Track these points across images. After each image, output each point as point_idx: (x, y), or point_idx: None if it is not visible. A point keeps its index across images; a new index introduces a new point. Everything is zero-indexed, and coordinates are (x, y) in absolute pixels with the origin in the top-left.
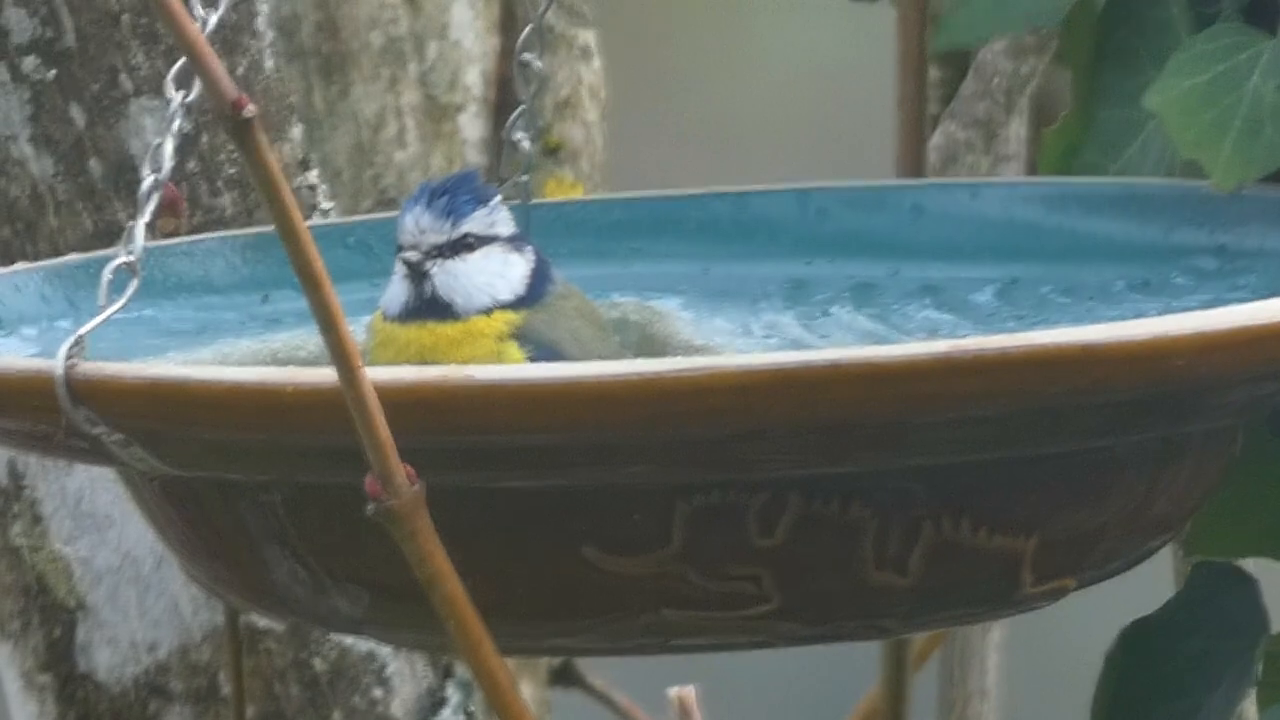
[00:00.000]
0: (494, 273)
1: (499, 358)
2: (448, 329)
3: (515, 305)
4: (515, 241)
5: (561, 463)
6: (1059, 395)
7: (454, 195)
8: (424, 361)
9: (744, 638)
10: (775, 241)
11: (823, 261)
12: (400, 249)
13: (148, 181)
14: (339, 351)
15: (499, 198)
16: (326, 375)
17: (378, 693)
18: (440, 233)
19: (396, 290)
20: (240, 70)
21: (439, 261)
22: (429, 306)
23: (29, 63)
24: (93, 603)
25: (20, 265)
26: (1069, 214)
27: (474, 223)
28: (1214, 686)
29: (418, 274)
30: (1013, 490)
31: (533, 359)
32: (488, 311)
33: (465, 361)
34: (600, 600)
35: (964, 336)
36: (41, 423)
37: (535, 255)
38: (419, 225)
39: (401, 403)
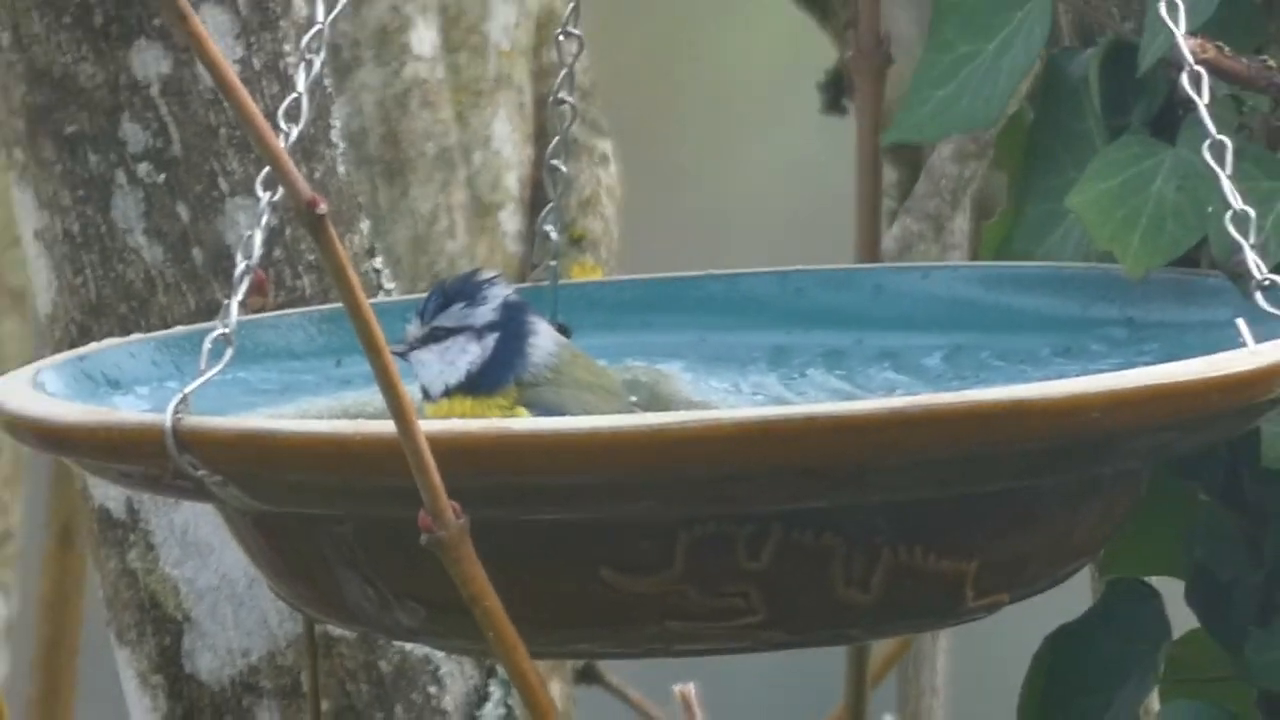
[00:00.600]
0: (449, 360)
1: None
2: (426, 407)
3: (465, 389)
4: (484, 330)
5: (583, 499)
6: (995, 443)
7: (439, 294)
8: None
9: (735, 644)
10: (760, 315)
11: (799, 332)
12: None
13: (240, 267)
14: (397, 408)
15: (493, 291)
16: (387, 428)
17: (433, 690)
18: (418, 327)
19: (431, 365)
20: (316, 174)
21: (414, 351)
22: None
23: (143, 168)
24: (196, 616)
25: (135, 336)
26: (1003, 292)
27: (447, 317)
28: (1124, 683)
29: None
30: (957, 522)
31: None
32: (448, 395)
33: None
34: (615, 613)
35: (917, 394)
36: (153, 467)
37: (497, 341)
38: (412, 321)
39: (449, 450)
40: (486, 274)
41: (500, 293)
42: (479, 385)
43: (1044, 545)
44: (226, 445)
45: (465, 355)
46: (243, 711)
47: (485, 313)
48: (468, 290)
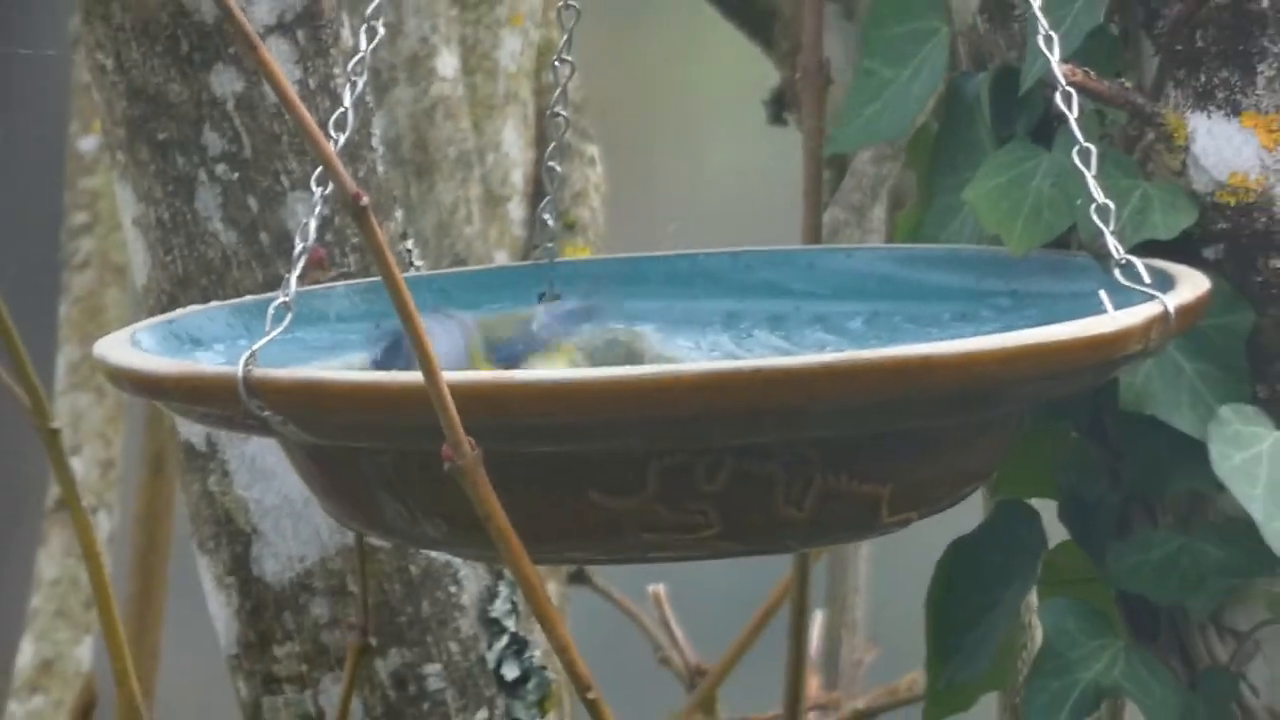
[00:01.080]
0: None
1: None
2: None
3: None
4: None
5: (573, 435)
6: (906, 390)
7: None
8: None
9: (697, 552)
10: (716, 287)
11: (748, 300)
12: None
13: (298, 248)
14: (424, 361)
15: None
16: (416, 377)
17: (453, 589)
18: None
19: None
20: (360, 173)
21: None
22: None
23: (220, 168)
24: (262, 529)
25: (214, 304)
26: (913, 269)
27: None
28: (1009, 585)
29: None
30: (875, 454)
31: None
32: None
33: None
34: (600, 528)
35: (843, 351)
36: (227, 409)
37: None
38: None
39: (465, 396)
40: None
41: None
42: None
43: (945, 473)
44: (287, 391)
45: None
46: (299, 607)
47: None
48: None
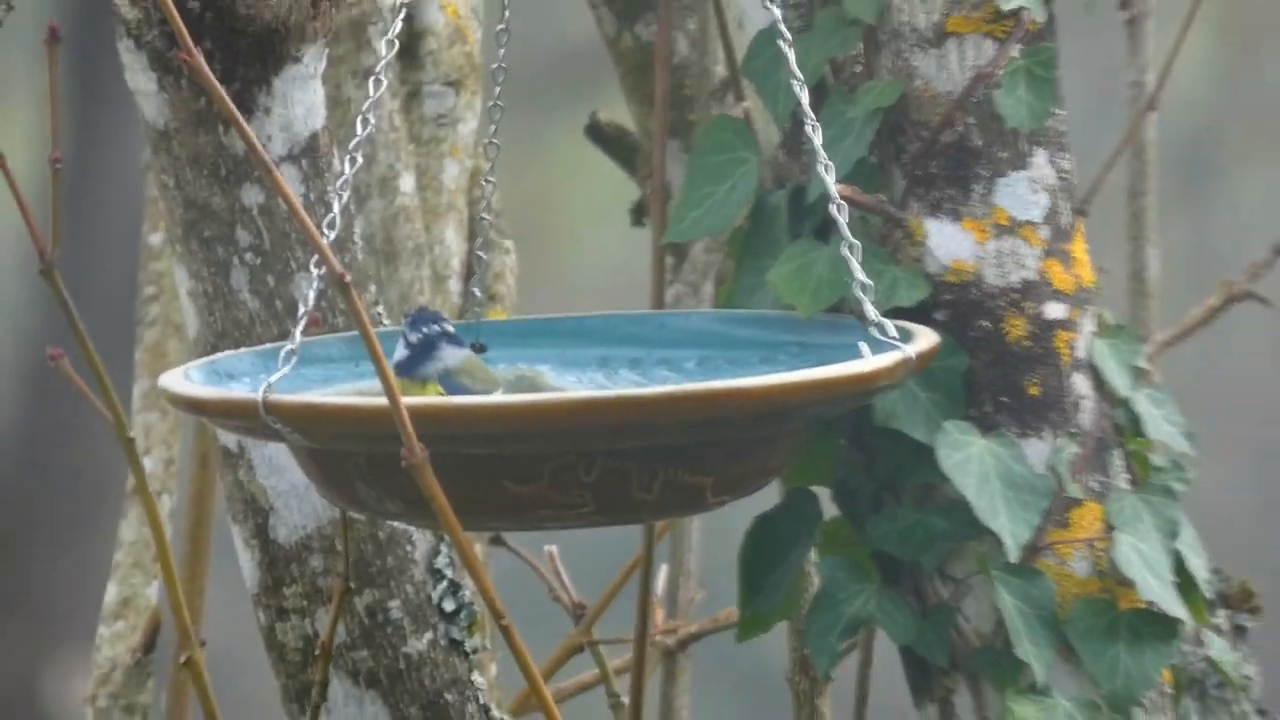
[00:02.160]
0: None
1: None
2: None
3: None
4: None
5: (493, 442)
6: (723, 411)
7: (411, 324)
8: None
9: (578, 524)
10: (592, 339)
11: (615, 348)
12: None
13: (302, 311)
14: (388, 390)
15: (433, 327)
16: (382, 401)
17: (409, 548)
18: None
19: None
20: (345, 259)
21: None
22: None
23: (248, 255)
24: (276, 507)
25: (242, 350)
26: (731, 326)
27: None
28: (795, 546)
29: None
30: (701, 456)
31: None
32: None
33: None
34: (511, 506)
35: (680, 384)
36: (251, 423)
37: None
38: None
39: (416, 415)
40: (433, 315)
41: (437, 328)
42: (414, 373)
43: (751, 469)
44: (292, 411)
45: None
46: (301, 561)
47: (424, 338)
48: (422, 320)
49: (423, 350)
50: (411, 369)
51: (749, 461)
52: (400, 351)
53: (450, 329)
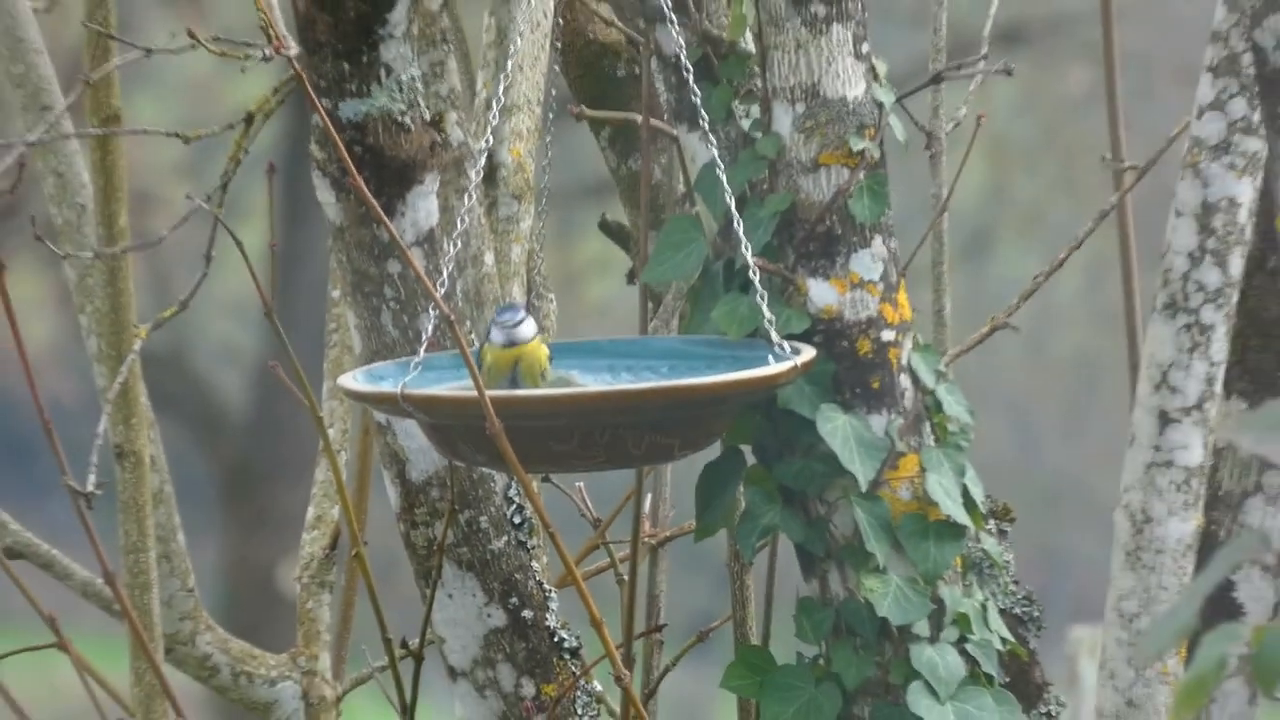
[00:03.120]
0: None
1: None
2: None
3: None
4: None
5: (545, 417)
6: (683, 399)
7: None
8: (515, 362)
9: (595, 469)
10: (603, 354)
11: (618, 359)
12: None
13: (425, 338)
14: (478, 388)
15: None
16: (473, 393)
17: (492, 484)
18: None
19: (497, 336)
20: (451, 306)
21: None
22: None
23: (392, 304)
24: (412, 459)
25: (388, 361)
26: (689, 345)
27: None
28: (731, 481)
29: (509, 329)
30: (671, 425)
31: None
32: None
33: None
34: (554, 458)
35: (658, 382)
36: (393, 408)
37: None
38: (505, 316)
39: (494, 401)
40: (513, 306)
41: (520, 314)
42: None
43: (703, 433)
44: (418, 400)
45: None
46: (426, 492)
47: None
48: (509, 309)
49: (511, 329)
50: (505, 344)
51: (701, 429)
52: (496, 334)
53: (524, 316)
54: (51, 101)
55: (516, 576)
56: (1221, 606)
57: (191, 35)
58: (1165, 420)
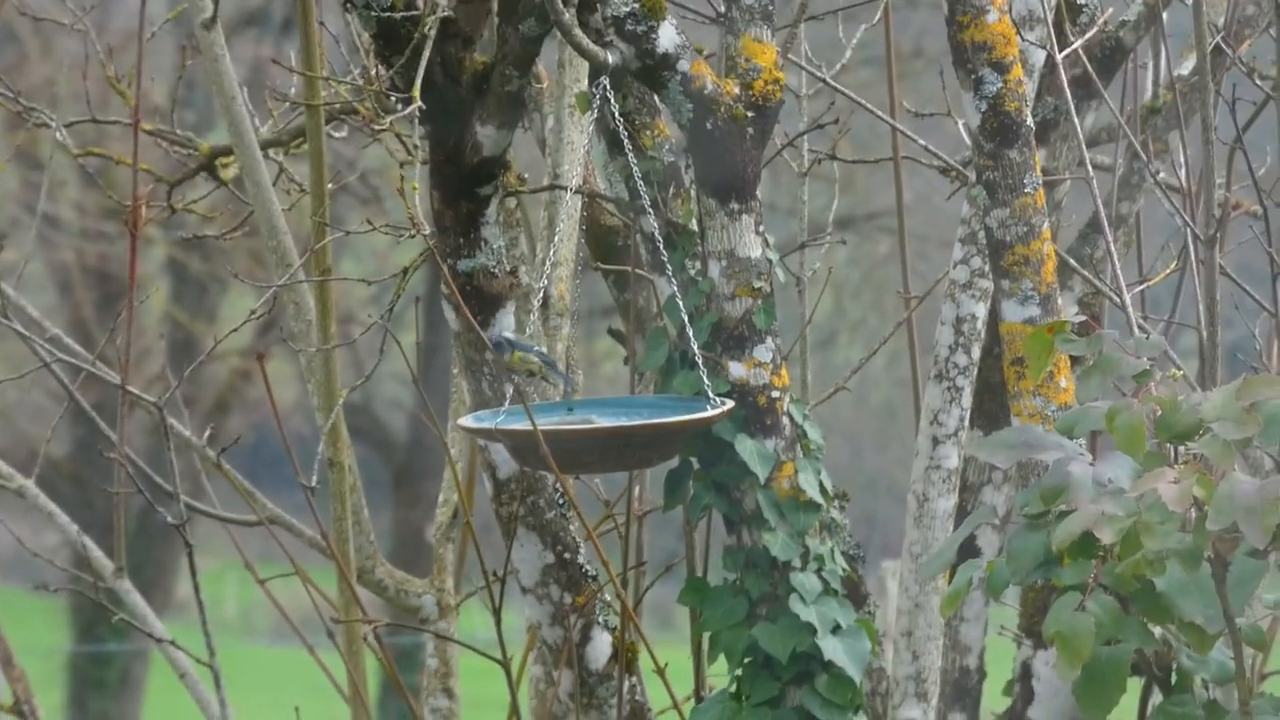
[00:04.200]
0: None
1: None
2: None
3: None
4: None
5: (573, 442)
6: (659, 429)
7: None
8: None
9: (606, 472)
10: (610, 406)
11: (619, 409)
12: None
13: (508, 396)
14: (533, 424)
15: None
16: (529, 428)
17: (546, 480)
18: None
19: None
20: (520, 381)
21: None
22: None
23: (487, 376)
24: (497, 465)
25: (485, 411)
26: (661, 401)
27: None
28: (684, 479)
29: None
30: (652, 445)
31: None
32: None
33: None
34: (581, 465)
35: (643, 420)
36: (488, 437)
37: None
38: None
39: (545, 433)
40: (501, 338)
41: (508, 337)
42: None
43: (670, 451)
44: (504, 433)
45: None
46: (507, 485)
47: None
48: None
49: (506, 348)
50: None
51: (668, 448)
52: (503, 345)
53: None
54: (291, 261)
55: (560, 534)
56: (969, 550)
57: (370, 223)
58: (936, 442)
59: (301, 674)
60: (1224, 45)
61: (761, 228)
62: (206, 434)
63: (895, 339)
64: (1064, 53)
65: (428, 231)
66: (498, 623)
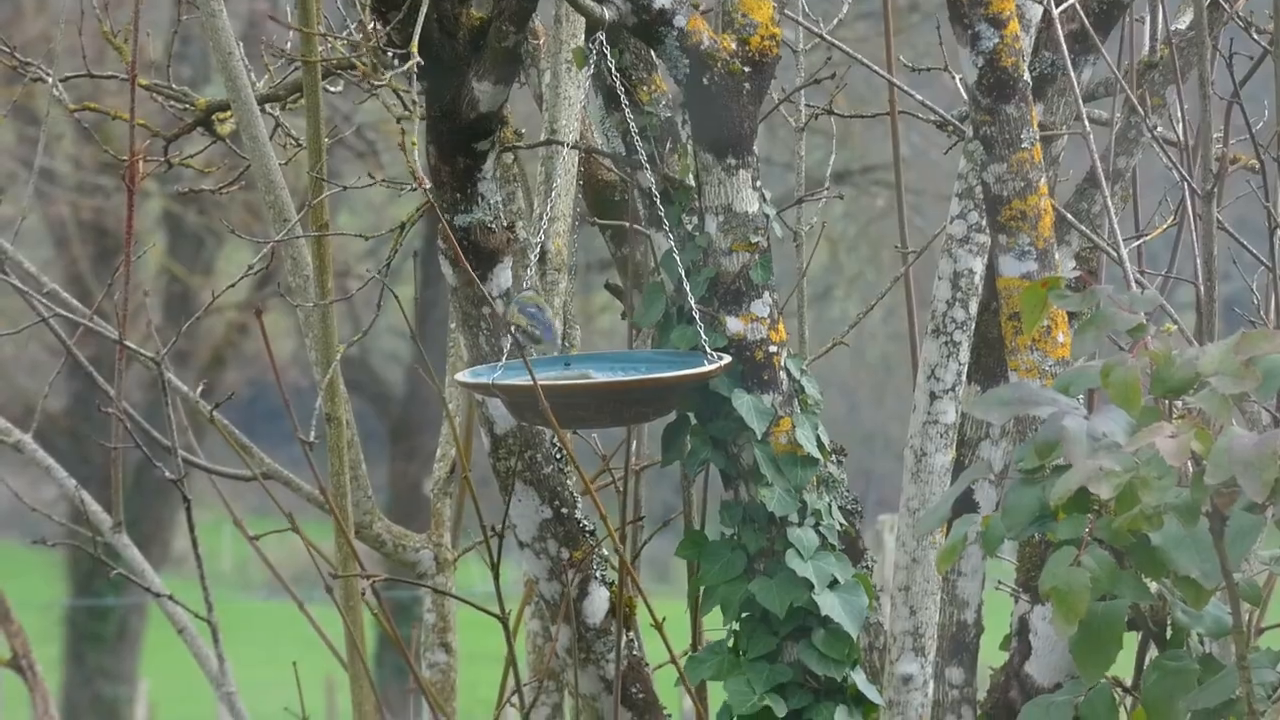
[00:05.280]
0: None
1: None
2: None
3: None
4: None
5: (573, 396)
6: (655, 385)
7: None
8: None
9: (604, 426)
10: (607, 360)
11: (616, 363)
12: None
13: (505, 350)
14: (533, 379)
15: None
16: (529, 382)
17: (544, 434)
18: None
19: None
20: (518, 332)
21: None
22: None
23: (484, 331)
24: (497, 420)
25: (482, 365)
26: (658, 355)
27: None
28: (681, 434)
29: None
30: (649, 400)
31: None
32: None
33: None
34: (579, 420)
35: (640, 375)
36: (485, 391)
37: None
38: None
39: (545, 388)
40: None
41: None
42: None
43: (667, 406)
44: (502, 387)
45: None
46: (505, 439)
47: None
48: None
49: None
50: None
51: (665, 403)
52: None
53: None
54: (289, 216)
55: (558, 489)
56: (965, 505)
57: (371, 176)
58: (933, 397)
59: (298, 628)
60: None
61: (758, 183)
62: (200, 388)
63: (891, 294)
64: (1060, 7)
65: (426, 186)
66: (496, 578)
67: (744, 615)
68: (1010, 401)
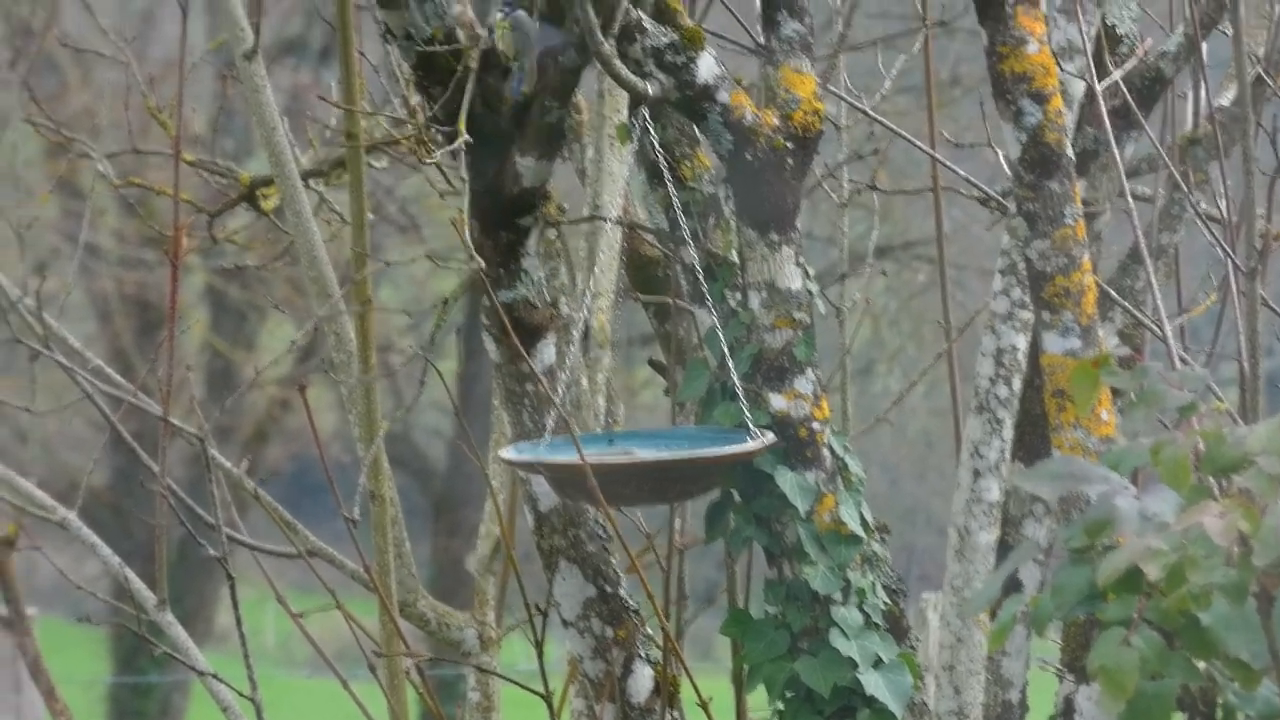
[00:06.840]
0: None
1: None
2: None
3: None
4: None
5: (617, 475)
6: (700, 464)
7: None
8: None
9: (648, 504)
10: (650, 438)
11: (658, 440)
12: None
13: (549, 428)
14: (581, 457)
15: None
16: (578, 460)
17: (588, 513)
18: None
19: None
20: (565, 409)
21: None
22: None
23: (528, 408)
24: (538, 497)
25: (525, 442)
26: (702, 432)
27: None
28: (725, 512)
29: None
30: (693, 478)
31: None
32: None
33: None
34: (623, 497)
35: (684, 453)
36: (529, 469)
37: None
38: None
39: (592, 466)
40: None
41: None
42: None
43: (712, 484)
44: (546, 465)
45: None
46: (549, 518)
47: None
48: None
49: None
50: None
51: (709, 480)
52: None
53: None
54: (332, 291)
55: (601, 566)
56: (1010, 583)
57: (428, 258)
58: (977, 474)
59: (340, 705)
60: (1264, 75)
61: (802, 259)
62: (244, 464)
63: (933, 369)
64: (1104, 83)
65: (480, 263)
66: (540, 656)
67: (788, 694)
68: (1061, 476)
